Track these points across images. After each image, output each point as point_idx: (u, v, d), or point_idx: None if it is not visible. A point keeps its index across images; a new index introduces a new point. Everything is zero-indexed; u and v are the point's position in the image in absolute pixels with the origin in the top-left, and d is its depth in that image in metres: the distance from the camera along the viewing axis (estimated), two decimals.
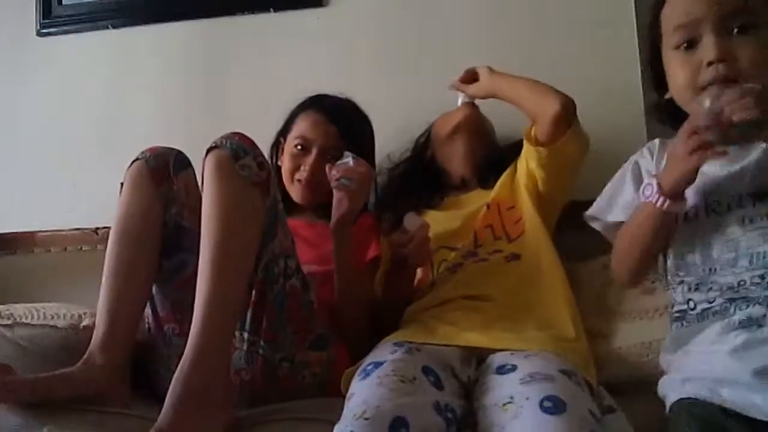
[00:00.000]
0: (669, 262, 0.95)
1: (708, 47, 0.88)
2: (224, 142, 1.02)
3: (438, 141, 1.47)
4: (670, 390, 0.89)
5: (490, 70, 1.34)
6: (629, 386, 1.06)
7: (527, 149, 1.30)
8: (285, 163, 1.42)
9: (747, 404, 0.78)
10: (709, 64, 0.87)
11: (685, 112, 0.91)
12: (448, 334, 1.05)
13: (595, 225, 1.07)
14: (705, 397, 0.82)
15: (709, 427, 0.79)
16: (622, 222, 0.99)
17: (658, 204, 0.88)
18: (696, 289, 0.90)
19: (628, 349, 1.09)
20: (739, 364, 0.80)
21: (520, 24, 1.59)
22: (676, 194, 0.88)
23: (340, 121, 1.40)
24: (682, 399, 0.86)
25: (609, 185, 1.06)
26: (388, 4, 1.67)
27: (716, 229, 0.89)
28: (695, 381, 0.85)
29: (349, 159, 1.20)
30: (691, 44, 0.90)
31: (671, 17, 0.93)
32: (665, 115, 1.00)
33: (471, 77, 1.37)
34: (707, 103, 0.82)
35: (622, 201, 1.02)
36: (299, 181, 1.39)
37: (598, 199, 1.06)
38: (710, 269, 0.89)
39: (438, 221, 1.32)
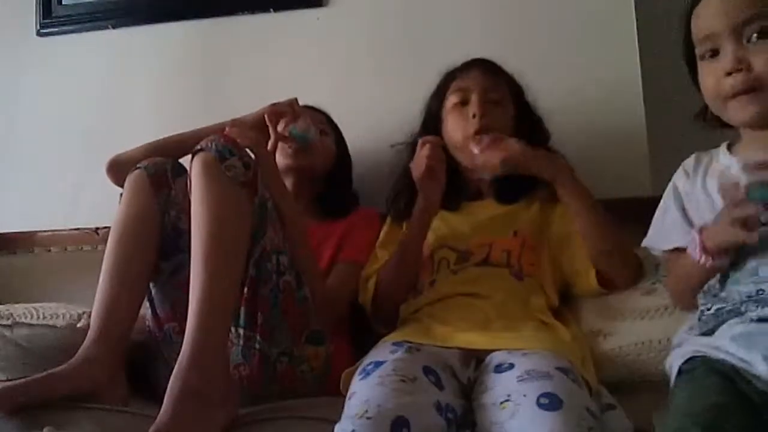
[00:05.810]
0: None
1: (725, 57, 0.89)
2: (209, 144, 1.03)
3: (451, 145, 1.29)
4: (681, 357, 0.89)
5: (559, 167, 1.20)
6: (629, 385, 1.06)
7: (579, 280, 1.21)
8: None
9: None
10: (728, 74, 0.89)
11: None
12: (445, 335, 1.05)
13: (655, 253, 1.08)
14: (719, 357, 0.82)
15: (728, 381, 0.78)
16: (677, 248, 0.99)
17: (701, 261, 0.88)
18: (715, 296, 0.91)
19: (628, 349, 1.09)
20: (751, 351, 0.80)
21: (520, 22, 1.59)
22: (718, 254, 0.87)
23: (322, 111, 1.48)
24: (695, 357, 0.85)
25: (656, 213, 1.06)
26: (387, 5, 1.67)
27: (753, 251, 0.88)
28: (711, 348, 0.85)
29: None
30: (714, 53, 0.92)
31: (697, 28, 0.95)
32: (709, 117, 0.99)
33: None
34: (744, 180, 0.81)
35: (670, 226, 1.02)
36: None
37: (651, 228, 1.06)
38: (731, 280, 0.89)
39: (448, 221, 1.30)
